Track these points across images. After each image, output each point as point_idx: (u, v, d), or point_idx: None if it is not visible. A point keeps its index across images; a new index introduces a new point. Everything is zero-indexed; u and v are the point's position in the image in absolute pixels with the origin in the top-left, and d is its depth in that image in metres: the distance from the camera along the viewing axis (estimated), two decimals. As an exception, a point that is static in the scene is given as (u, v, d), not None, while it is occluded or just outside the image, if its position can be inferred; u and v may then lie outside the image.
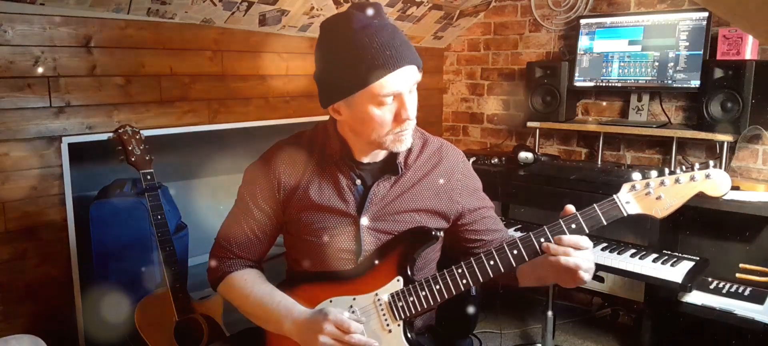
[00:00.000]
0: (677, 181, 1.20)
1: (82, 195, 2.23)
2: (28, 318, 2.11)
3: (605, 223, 1.22)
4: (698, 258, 2.22)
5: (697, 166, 1.20)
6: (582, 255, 1.20)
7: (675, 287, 2.09)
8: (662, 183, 1.21)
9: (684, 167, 1.22)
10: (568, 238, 1.20)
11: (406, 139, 1.28)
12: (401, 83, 1.21)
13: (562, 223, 1.23)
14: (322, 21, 1.27)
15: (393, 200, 1.35)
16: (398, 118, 1.24)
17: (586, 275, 1.21)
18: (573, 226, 1.22)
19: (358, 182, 1.36)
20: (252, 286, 1.38)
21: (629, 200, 1.22)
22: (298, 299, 1.33)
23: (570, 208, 1.24)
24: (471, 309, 1.51)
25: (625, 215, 1.22)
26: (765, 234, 2.30)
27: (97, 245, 2.21)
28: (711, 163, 1.21)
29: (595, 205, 1.23)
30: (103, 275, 2.22)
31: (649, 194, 1.21)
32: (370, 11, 1.21)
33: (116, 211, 2.23)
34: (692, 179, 1.20)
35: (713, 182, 1.19)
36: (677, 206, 1.21)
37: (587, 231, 1.23)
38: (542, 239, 1.23)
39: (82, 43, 2.13)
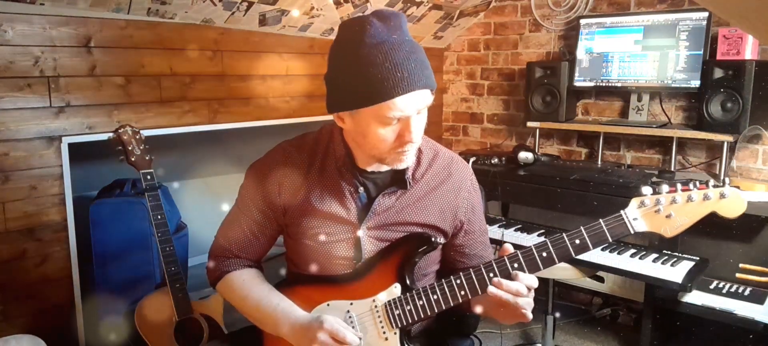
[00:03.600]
0: (690, 199, 1.14)
1: (82, 195, 2.23)
2: (28, 318, 2.11)
3: (611, 239, 1.18)
4: (698, 258, 2.22)
5: (711, 182, 1.14)
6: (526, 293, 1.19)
7: (675, 287, 2.09)
8: (674, 200, 1.14)
9: (699, 182, 1.15)
10: (523, 276, 1.19)
11: (406, 159, 1.26)
12: (409, 107, 1.17)
13: (565, 238, 1.19)
14: (342, 21, 1.24)
15: (397, 212, 1.33)
16: (401, 139, 1.21)
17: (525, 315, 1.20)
18: (577, 241, 1.18)
19: (361, 189, 1.33)
20: (250, 287, 1.38)
21: (637, 217, 1.17)
22: (295, 301, 1.33)
23: (508, 247, 1.23)
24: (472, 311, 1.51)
25: (632, 232, 1.17)
26: (765, 234, 2.30)
27: (97, 245, 2.21)
28: (727, 181, 1.14)
29: (601, 220, 1.18)
30: (103, 275, 2.22)
31: (659, 212, 1.15)
32: (390, 23, 1.17)
33: (116, 211, 2.23)
34: (705, 197, 1.13)
35: (728, 202, 1.13)
36: (688, 225, 1.15)
37: (591, 247, 1.19)
38: (545, 254, 1.20)
39: (82, 43, 2.13)
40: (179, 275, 1.99)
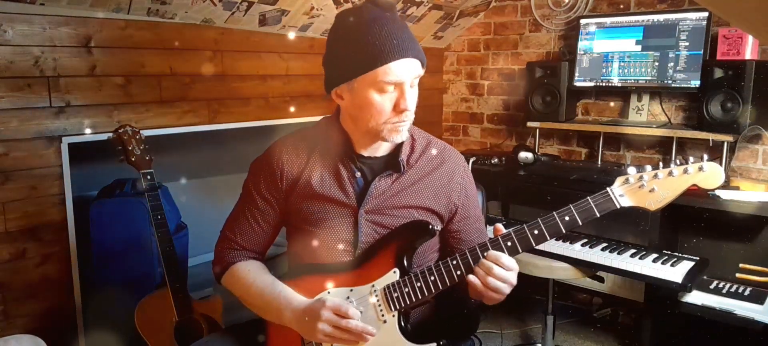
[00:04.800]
0: (670, 174, 1.22)
1: (82, 195, 2.23)
2: (28, 318, 2.11)
3: (598, 215, 1.24)
4: (698, 258, 2.22)
5: (691, 159, 1.23)
6: (498, 274, 1.25)
7: (675, 287, 2.09)
8: (656, 176, 1.22)
9: (679, 162, 1.23)
10: (491, 254, 1.25)
11: (402, 130, 1.32)
12: (404, 73, 1.25)
13: (555, 215, 1.25)
14: (337, 12, 1.33)
15: (393, 195, 1.38)
16: (397, 108, 1.28)
17: (497, 298, 1.28)
18: (567, 218, 1.25)
19: (358, 174, 1.38)
20: (254, 277, 1.41)
21: (622, 193, 1.24)
22: (297, 290, 1.37)
23: (499, 227, 1.30)
24: (472, 311, 1.51)
25: (618, 207, 1.24)
26: (765, 234, 2.30)
27: (97, 245, 2.21)
28: (705, 157, 1.23)
29: (588, 197, 1.25)
30: (103, 275, 2.22)
31: (643, 187, 1.23)
32: (384, 6, 1.27)
33: (116, 211, 2.23)
34: (685, 171, 1.21)
35: (706, 175, 1.21)
36: (670, 198, 1.22)
37: (580, 223, 1.25)
38: (536, 232, 1.26)
39: (82, 43, 2.13)
40: (179, 275, 2.00)
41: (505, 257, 1.26)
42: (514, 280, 1.28)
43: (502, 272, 1.25)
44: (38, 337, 1.74)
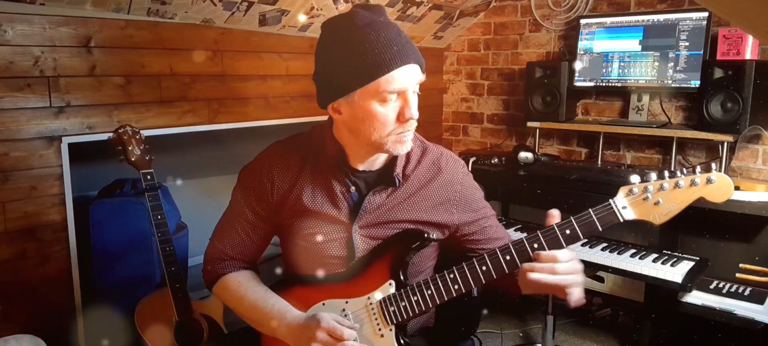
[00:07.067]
0: (677, 185, 1.14)
1: (82, 195, 2.23)
2: (28, 318, 2.11)
3: (601, 229, 1.18)
4: (698, 258, 2.23)
5: (698, 168, 1.15)
6: (563, 270, 1.17)
7: (675, 287, 2.09)
8: (661, 187, 1.14)
9: (685, 169, 1.16)
10: (546, 254, 1.18)
11: (407, 141, 1.26)
12: (407, 80, 1.19)
13: (556, 228, 1.19)
14: (323, 21, 1.26)
15: (388, 210, 1.33)
16: (401, 118, 1.22)
17: (576, 291, 1.20)
18: (567, 232, 1.19)
19: (353, 189, 1.34)
20: (246, 288, 1.38)
21: (626, 205, 1.17)
22: (291, 302, 1.33)
23: (554, 212, 1.22)
24: (472, 311, 1.51)
25: (622, 220, 1.17)
26: (765, 234, 2.30)
27: (97, 245, 2.21)
28: (713, 165, 1.15)
29: (590, 210, 1.19)
30: (103, 275, 2.22)
31: (647, 199, 1.16)
32: (374, 10, 1.21)
33: (116, 211, 2.23)
34: (693, 183, 1.13)
35: (715, 187, 1.12)
36: (676, 211, 1.15)
37: (581, 236, 1.19)
38: (536, 245, 1.20)
39: (82, 43, 2.13)
40: (179, 275, 1.99)
41: (561, 254, 1.18)
42: (578, 265, 1.21)
43: (566, 266, 1.18)
44: (38, 337, 1.74)
